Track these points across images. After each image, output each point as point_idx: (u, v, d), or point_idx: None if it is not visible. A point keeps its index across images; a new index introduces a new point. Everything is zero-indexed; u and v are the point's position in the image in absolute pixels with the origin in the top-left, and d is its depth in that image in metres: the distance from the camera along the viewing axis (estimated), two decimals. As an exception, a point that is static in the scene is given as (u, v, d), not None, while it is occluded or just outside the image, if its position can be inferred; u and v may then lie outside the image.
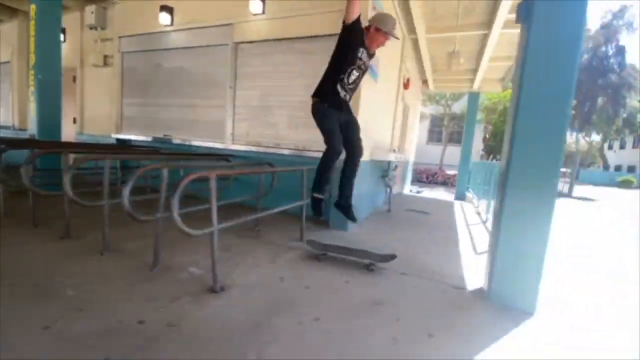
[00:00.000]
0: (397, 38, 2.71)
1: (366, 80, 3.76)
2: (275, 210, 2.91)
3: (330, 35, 3.70)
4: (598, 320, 2.08)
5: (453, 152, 15.59)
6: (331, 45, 3.72)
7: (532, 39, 1.94)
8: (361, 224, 4.05)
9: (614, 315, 2.18)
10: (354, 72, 2.60)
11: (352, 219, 2.82)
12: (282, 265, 2.51)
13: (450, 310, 2.01)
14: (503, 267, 2.07)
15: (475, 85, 8.44)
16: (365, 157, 4.19)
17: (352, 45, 2.50)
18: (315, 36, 3.81)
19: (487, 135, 17.65)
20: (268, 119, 4.20)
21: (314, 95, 2.68)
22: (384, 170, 5.14)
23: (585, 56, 19.75)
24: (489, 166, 5.57)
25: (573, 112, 14.51)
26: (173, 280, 2.12)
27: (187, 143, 4.80)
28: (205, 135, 4.69)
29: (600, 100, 20.55)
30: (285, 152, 4.04)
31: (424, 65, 7.32)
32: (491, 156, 17.97)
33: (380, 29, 2.52)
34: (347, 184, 2.78)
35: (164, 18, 4.70)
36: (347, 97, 2.71)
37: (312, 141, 3.92)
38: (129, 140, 5.49)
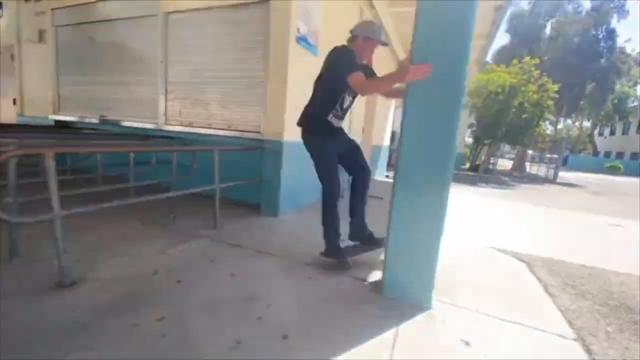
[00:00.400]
0: (386, 44, 2.25)
1: (303, 53, 3.46)
2: (176, 193, 2.65)
3: (261, 2, 3.35)
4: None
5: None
6: (262, 15, 3.41)
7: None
8: (303, 209, 3.81)
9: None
10: (347, 97, 2.21)
11: (378, 244, 2.32)
12: (170, 256, 2.25)
13: (332, 306, 1.77)
14: (395, 257, 1.83)
15: (450, 67, 8.10)
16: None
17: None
18: (246, 3, 3.45)
19: (475, 121, 17.33)
20: (200, 96, 3.87)
21: (300, 125, 2.30)
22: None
23: (575, 40, 19.29)
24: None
25: (556, 96, 14.14)
26: (24, 274, 1.85)
27: (124, 124, 4.46)
28: (139, 115, 4.36)
29: (589, 86, 20.18)
30: (219, 132, 3.72)
31: (392, 43, 6.95)
32: (478, 144, 17.70)
33: (369, 37, 2.13)
34: (358, 210, 2.36)
35: (92, -14, 4.30)
36: (341, 123, 2.34)
37: (243, 121, 3.62)
38: (72, 122, 5.13)
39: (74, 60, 4.97)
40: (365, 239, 2.42)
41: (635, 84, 27.97)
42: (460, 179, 12.99)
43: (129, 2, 4.17)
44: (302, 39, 3.31)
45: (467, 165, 18.42)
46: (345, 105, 2.27)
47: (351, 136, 2.45)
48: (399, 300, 1.82)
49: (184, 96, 3.99)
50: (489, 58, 25.33)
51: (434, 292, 1.93)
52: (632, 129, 31.21)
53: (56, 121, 5.21)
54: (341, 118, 2.32)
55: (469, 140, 20.15)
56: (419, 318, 1.70)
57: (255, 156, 3.42)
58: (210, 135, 3.76)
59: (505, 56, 19.35)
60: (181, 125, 4.01)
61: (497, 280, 2.31)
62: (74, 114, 5.07)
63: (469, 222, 4.25)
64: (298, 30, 3.23)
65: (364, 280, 2.10)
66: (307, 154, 3.85)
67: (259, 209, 3.50)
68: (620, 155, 32.23)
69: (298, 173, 3.70)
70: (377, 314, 1.71)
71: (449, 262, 2.56)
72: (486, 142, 16.98)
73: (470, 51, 1.64)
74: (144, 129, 4.24)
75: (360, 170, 2.39)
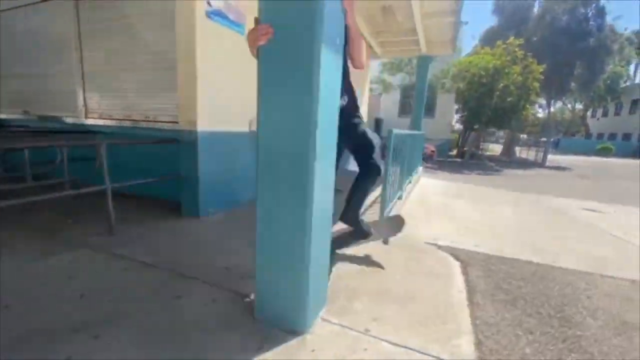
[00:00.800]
0: None
1: (222, 31, 3.06)
2: (65, 193, 2.29)
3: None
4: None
5: (425, 124, 14.79)
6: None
7: None
8: (238, 208, 3.44)
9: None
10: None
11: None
12: (24, 273, 1.90)
13: (185, 334, 1.42)
14: (265, 269, 1.48)
15: (423, 48, 7.67)
16: (245, 127, 3.55)
17: None
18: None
19: (460, 105, 16.91)
20: (117, 85, 3.47)
21: None
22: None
23: (564, 18, 18.71)
24: (412, 137, 4.94)
25: (542, 77, 13.71)
26: None
27: (61, 120, 4.05)
28: (62, 108, 3.95)
29: (578, 66, 19.66)
30: (137, 124, 3.34)
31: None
32: (466, 130, 17.31)
33: None
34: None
35: (-1, -34, 3.84)
36: (346, 98, 2.02)
37: (161, 110, 3.24)
38: (3, 120, 4.73)
39: (-4, 52, 4.54)
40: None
41: (628, 63, 27.48)
42: (445, 166, 12.68)
43: (37, -18, 3.73)
44: (215, 14, 2.90)
45: (455, 151, 18.10)
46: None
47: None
48: (271, 324, 1.48)
49: (101, 86, 3.59)
50: (477, 41, 24.71)
51: (324, 309, 1.61)
52: (625, 110, 30.90)
53: (-16, 119, 4.80)
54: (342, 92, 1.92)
55: (458, 126, 19.71)
56: (284, 347, 1.36)
57: (175, 149, 3.06)
58: (132, 127, 3.38)
59: (493, 38, 18.80)
60: (101, 118, 3.61)
61: (415, 287, 1.97)
62: (3, 110, 4.66)
63: (422, 214, 3.91)
64: (209, 3, 2.82)
65: (247, 296, 1.75)
66: (234, 145, 3.50)
67: (176, 209, 3.15)
68: (612, 136, 31.99)
69: (227, 167, 3.33)
70: (235, 343, 1.37)
71: (372, 263, 2.23)
72: (475, 127, 16.62)
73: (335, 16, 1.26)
74: (73, 124, 3.85)
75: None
